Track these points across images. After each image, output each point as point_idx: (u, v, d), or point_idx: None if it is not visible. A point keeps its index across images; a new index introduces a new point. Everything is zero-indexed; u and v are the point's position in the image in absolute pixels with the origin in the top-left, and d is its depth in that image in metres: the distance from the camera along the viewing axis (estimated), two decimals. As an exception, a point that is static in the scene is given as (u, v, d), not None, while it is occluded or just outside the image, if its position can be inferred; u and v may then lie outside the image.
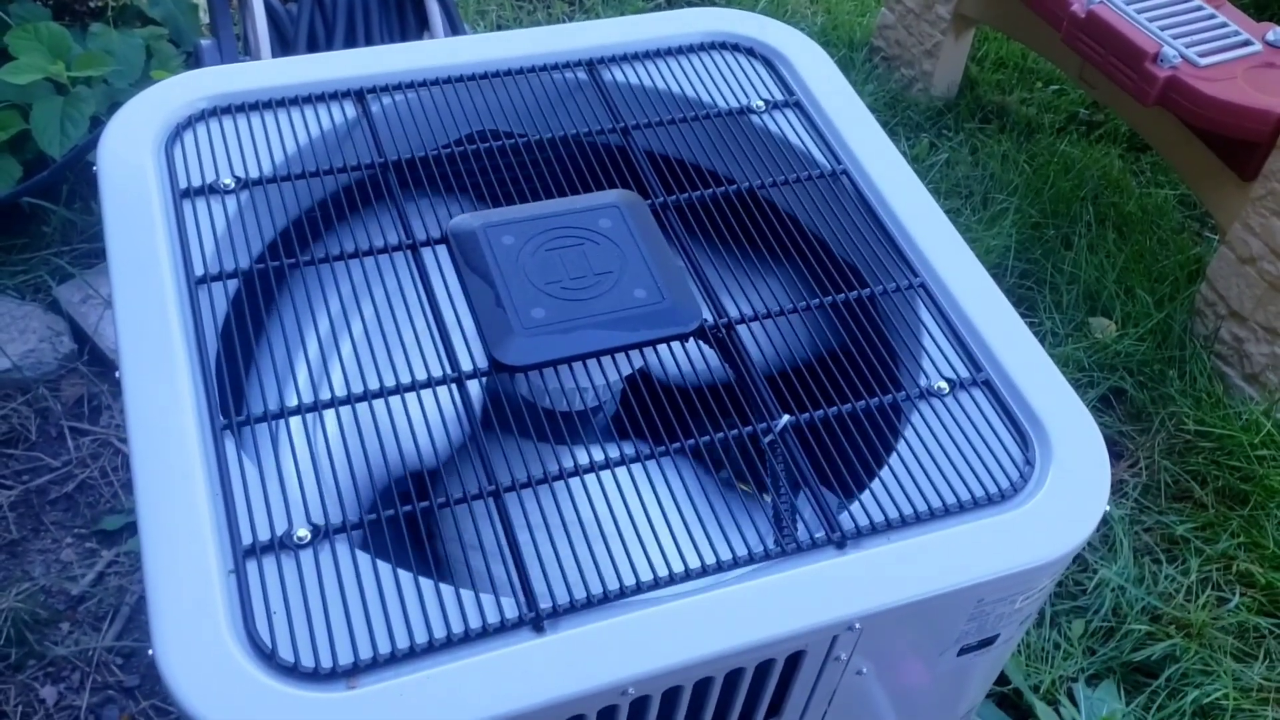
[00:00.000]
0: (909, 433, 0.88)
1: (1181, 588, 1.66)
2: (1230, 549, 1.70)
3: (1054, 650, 1.58)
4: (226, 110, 1.04)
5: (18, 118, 1.82)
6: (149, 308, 0.88)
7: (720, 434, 0.86)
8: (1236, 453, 1.80)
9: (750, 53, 1.17)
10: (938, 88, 2.50)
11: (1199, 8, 1.92)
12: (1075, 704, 1.52)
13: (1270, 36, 1.85)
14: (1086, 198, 2.26)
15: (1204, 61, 1.80)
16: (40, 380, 1.77)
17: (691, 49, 1.16)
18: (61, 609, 1.54)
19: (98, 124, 1.82)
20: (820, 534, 0.81)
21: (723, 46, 1.17)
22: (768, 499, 0.86)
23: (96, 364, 1.81)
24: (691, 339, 0.91)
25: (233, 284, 0.92)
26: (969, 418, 0.90)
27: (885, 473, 0.86)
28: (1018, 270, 2.12)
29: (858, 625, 0.78)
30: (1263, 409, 1.84)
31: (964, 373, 0.92)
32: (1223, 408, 1.87)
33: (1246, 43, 1.85)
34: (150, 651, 0.71)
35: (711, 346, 0.92)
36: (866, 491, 0.84)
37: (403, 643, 0.72)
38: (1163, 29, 1.86)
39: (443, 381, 0.86)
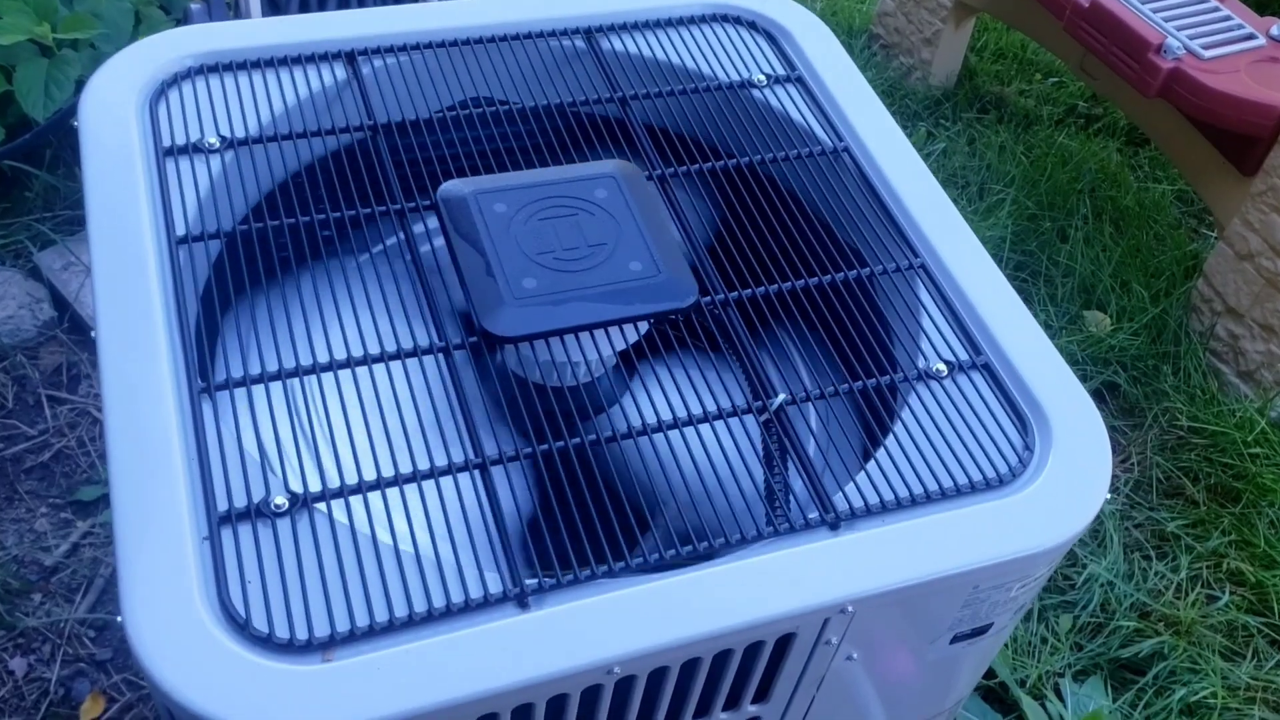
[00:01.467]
0: (906, 414, 0.86)
1: (1171, 585, 1.65)
2: (1221, 547, 1.69)
3: (1041, 645, 1.56)
4: (213, 69, 1.01)
5: (1, 79, 1.79)
6: (128, 267, 0.85)
7: (715, 411, 0.83)
8: (1229, 450, 1.78)
9: (752, 26, 1.15)
10: (936, 77, 2.48)
11: (1203, 0, 1.90)
12: (1062, 699, 1.50)
13: (1275, 31, 1.83)
14: (1084, 191, 2.24)
15: (1208, 54, 1.78)
16: (18, 347, 1.74)
17: (693, 20, 1.13)
18: (34, 580, 1.51)
19: (83, 88, 1.79)
20: (814, 515, 0.79)
21: (724, 19, 1.15)
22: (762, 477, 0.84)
23: (76, 332, 1.77)
24: (687, 314, 0.89)
25: (215, 245, 0.89)
26: (967, 401, 0.88)
27: (881, 454, 0.84)
28: (1013, 262, 2.10)
29: (850, 609, 0.76)
30: (1257, 406, 1.83)
31: (963, 355, 0.90)
32: (1216, 405, 1.85)
33: (1250, 36, 1.83)
34: (119, 619, 0.69)
35: (707, 323, 0.90)
36: (862, 473, 0.82)
37: (381, 616, 0.70)
38: (1166, 20, 1.84)
39: (429, 350, 0.84)
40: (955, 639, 0.88)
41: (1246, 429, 1.80)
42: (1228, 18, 1.87)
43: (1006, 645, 1.55)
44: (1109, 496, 0.83)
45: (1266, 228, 1.79)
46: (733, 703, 0.83)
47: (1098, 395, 1.92)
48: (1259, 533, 1.69)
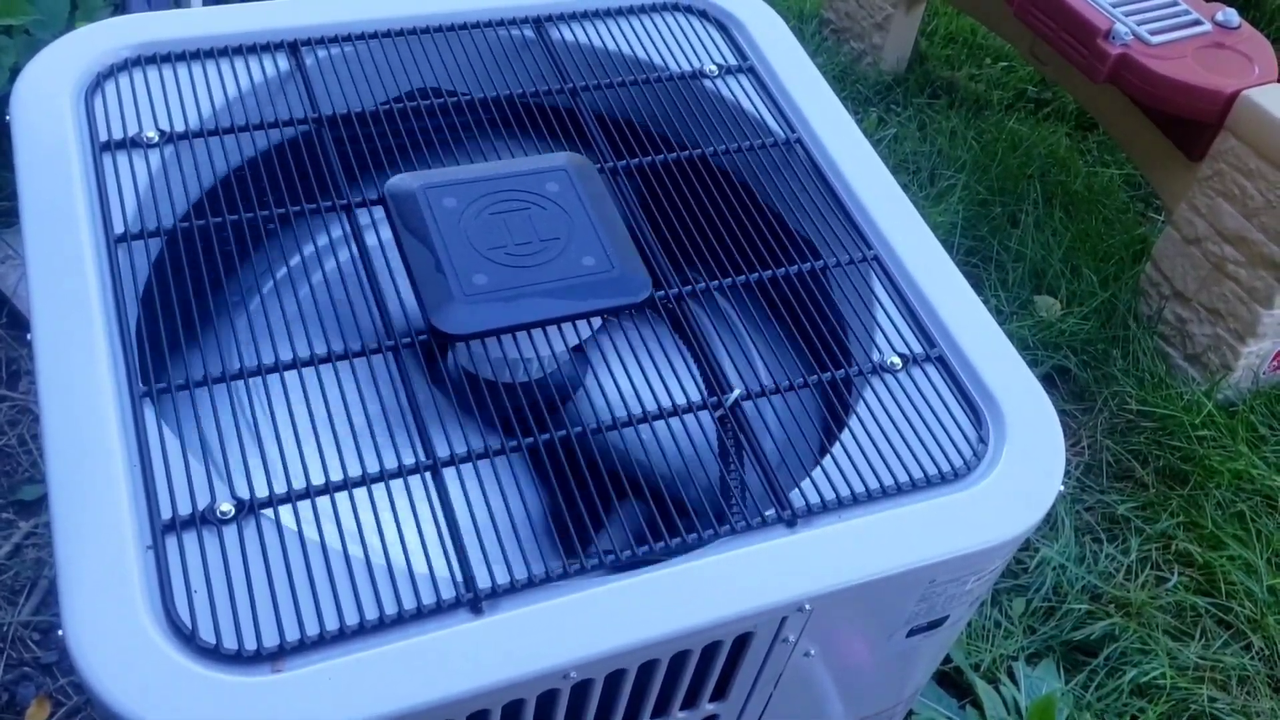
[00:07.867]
0: (861, 409, 0.86)
1: (1121, 567, 1.67)
2: (1170, 529, 1.71)
3: (995, 629, 1.58)
4: (152, 59, 0.98)
5: (-68, 67, 1.73)
6: (64, 267, 0.83)
7: (669, 408, 0.82)
8: (1177, 433, 1.81)
9: (704, 15, 1.13)
10: (887, 61, 2.48)
11: (1150, -14, 1.91)
12: (1015, 683, 1.51)
13: (1220, 17, 1.85)
14: (1034, 175, 2.25)
15: (1155, 40, 1.79)
16: (-44, 343, 1.70)
17: (643, 9, 1.12)
18: (-24, 582, 1.48)
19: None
20: (770, 512, 0.78)
21: (675, 8, 1.13)
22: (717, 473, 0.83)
23: (15, 327, 1.73)
24: (641, 309, 0.88)
25: (155, 243, 0.87)
26: (922, 394, 0.87)
27: (837, 449, 0.83)
28: (964, 247, 2.11)
29: (808, 606, 0.75)
30: (1204, 390, 1.85)
31: (917, 348, 0.90)
32: (1165, 388, 1.87)
33: (1197, 22, 1.84)
34: (60, 632, 0.67)
35: (661, 318, 0.89)
36: (818, 468, 0.82)
37: (331, 624, 0.68)
38: (1115, 5, 1.85)
39: (378, 349, 0.82)
40: (912, 632, 0.88)
41: (1194, 412, 1.82)
42: (1174, 3, 1.88)
43: (961, 631, 1.57)
44: (1061, 487, 0.83)
45: (1213, 212, 1.81)
46: (690, 701, 0.82)
47: (1048, 380, 1.93)
48: (1206, 514, 1.72)
